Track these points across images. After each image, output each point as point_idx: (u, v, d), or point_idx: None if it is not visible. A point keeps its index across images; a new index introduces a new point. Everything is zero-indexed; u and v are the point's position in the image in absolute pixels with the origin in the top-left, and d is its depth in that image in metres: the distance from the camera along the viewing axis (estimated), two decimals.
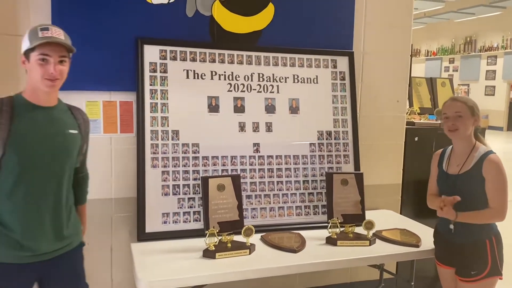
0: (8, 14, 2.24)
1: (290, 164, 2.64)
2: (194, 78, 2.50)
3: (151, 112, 2.41)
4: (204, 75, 2.52)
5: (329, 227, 2.32)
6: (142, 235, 2.30)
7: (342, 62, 2.80)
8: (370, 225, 2.32)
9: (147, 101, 2.40)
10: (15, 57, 2.25)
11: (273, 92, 2.64)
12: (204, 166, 2.46)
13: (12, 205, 1.63)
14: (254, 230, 2.16)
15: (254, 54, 2.61)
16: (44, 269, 1.69)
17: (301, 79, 2.71)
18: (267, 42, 2.63)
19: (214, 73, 2.53)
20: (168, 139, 2.42)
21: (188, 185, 2.43)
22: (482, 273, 2.03)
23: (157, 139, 2.40)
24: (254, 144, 2.57)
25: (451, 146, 2.19)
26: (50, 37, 1.60)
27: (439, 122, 3.08)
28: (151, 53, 2.43)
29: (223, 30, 2.55)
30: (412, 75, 3.26)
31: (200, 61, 2.51)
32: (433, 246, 2.25)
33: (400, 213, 3.03)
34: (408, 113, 3.21)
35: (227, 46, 2.56)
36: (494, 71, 13.69)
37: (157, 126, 2.41)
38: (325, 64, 2.77)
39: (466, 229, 2.06)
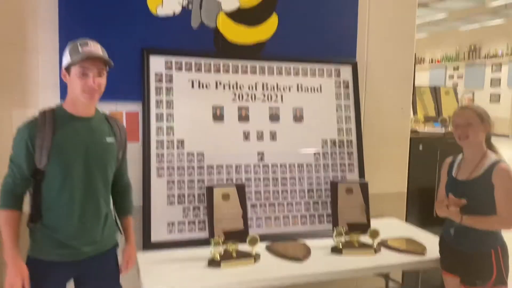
0: (16, 26, 2.28)
1: (295, 173, 2.65)
2: (199, 88, 2.52)
3: (156, 122, 2.43)
4: (209, 85, 2.54)
5: (334, 236, 2.32)
6: (148, 244, 2.31)
7: (346, 71, 2.82)
8: (375, 233, 2.32)
9: (153, 111, 2.43)
10: (21, 67, 2.30)
11: (277, 101, 2.66)
12: (209, 175, 2.47)
13: (56, 210, 1.73)
14: (259, 239, 2.17)
15: (258, 64, 2.64)
16: (82, 267, 1.79)
17: (305, 88, 2.72)
18: (271, 52, 2.66)
19: (218, 83, 2.56)
20: (173, 149, 2.43)
21: (193, 194, 2.44)
22: (487, 283, 2.02)
23: (163, 149, 2.42)
24: (259, 153, 2.59)
25: (461, 154, 2.20)
26: (89, 52, 1.69)
27: (443, 131, 3.08)
28: (156, 63, 2.46)
29: (228, 41, 2.58)
30: (416, 83, 3.27)
31: (205, 71, 2.54)
32: (438, 255, 2.25)
33: (406, 222, 3.02)
34: (413, 121, 3.21)
35: (231, 56, 2.58)
36: (499, 79, 13.66)
37: (163, 135, 2.43)
38: (329, 73, 2.78)
39: (469, 236, 2.05)
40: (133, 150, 2.45)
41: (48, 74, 2.33)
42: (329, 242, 2.33)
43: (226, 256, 2.12)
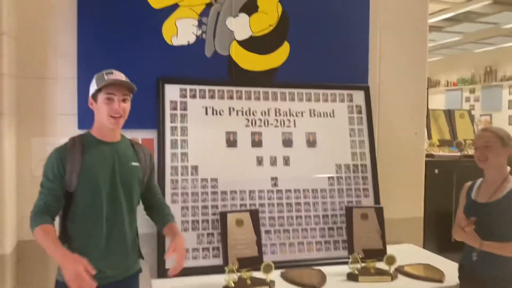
0: (38, 58, 2.37)
1: (309, 198, 2.64)
2: (213, 114, 2.56)
3: (171, 148, 2.46)
4: (222, 112, 2.58)
5: (350, 262, 2.29)
6: (162, 271, 2.30)
7: (358, 96, 2.83)
8: (391, 260, 2.28)
9: (168, 138, 2.47)
10: (40, 97, 2.37)
11: (290, 126, 2.68)
12: (223, 201, 2.48)
13: (83, 232, 1.79)
14: (273, 266, 2.14)
15: (271, 90, 2.67)
16: None
17: (317, 113, 2.74)
18: (283, 78, 2.70)
19: (232, 109, 2.60)
20: (187, 175, 2.46)
21: (207, 220, 2.45)
22: None
23: (177, 175, 2.44)
24: (272, 178, 2.59)
25: (481, 178, 2.18)
26: (114, 79, 1.80)
27: (459, 154, 3.05)
28: (171, 92, 2.52)
29: (240, 68, 2.63)
30: (432, 107, 3.27)
31: (218, 98, 2.58)
32: (458, 282, 2.19)
33: (423, 248, 2.96)
34: (428, 145, 3.19)
35: (244, 83, 2.63)
36: None
37: (177, 162, 2.46)
38: (341, 98, 2.80)
39: (491, 262, 2.00)
40: None
41: (67, 104, 2.39)
42: (345, 268, 2.30)
43: (241, 284, 2.10)
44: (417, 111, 3.01)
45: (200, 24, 2.56)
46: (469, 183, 2.23)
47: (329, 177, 2.69)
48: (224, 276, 2.08)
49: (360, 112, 2.82)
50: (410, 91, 2.98)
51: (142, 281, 2.42)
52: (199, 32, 2.56)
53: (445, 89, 14.94)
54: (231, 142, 2.57)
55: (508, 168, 2.11)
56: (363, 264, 2.31)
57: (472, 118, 3.60)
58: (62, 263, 1.65)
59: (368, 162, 2.78)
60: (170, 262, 1.96)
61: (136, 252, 1.96)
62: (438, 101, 14.27)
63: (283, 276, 2.29)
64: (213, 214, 2.46)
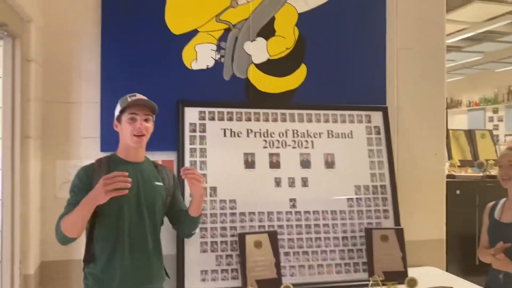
0: (63, 83, 2.46)
1: (328, 219, 2.62)
2: (231, 136, 2.60)
3: None
4: (241, 133, 2.61)
5: (370, 285, 2.25)
6: None
7: (376, 117, 2.83)
8: (413, 282, 2.23)
9: (187, 159, 2.51)
10: (65, 121, 2.45)
11: (307, 148, 2.69)
12: (241, 222, 2.49)
13: (108, 252, 1.83)
14: None
15: (288, 112, 2.70)
16: None
17: (335, 134, 2.75)
18: (301, 100, 2.73)
19: (250, 131, 2.63)
20: (206, 196, 2.48)
21: (226, 242, 2.45)
22: None
23: None
24: (291, 200, 2.59)
25: (505, 198, 2.14)
26: (136, 99, 1.90)
27: (481, 174, 3.00)
28: (191, 114, 2.57)
29: (258, 91, 2.67)
30: (454, 127, 3.23)
31: (236, 120, 2.62)
32: None
33: (446, 271, 2.88)
34: (448, 165, 3.15)
35: (262, 105, 2.66)
36: None
37: None
38: (359, 119, 2.81)
39: None
40: None
41: (90, 127, 2.47)
42: None
43: None
44: (437, 131, 2.98)
45: (219, 48, 2.62)
46: (491, 203, 2.20)
47: (348, 198, 2.67)
48: None
49: (378, 133, 2.82)
50: (429, 112, 2.96)
51: None
52: (218, 56, 2.62)
53: (467, 109, 14.73)
54: (249, 163, 2.59)
55: None
56: (384, 287, 2.27)
57: (493, 138, 3.54)
58: (92, 199, 1.70)
59: (387, 183, 2.75)
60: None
61: (160, 272, 1.99)
62: (460, 121, 14.06)
63: None
64: (232, 235, 2.46)
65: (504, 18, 6.95)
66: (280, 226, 2.53)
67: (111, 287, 1.82)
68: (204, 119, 2.58)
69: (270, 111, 2.68)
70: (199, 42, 2.59)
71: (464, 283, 2.51)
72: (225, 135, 2.59)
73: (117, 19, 2.49)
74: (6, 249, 2.05)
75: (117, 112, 1.94)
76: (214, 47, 2.62)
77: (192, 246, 2.40)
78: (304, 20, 2.75)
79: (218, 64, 2.63)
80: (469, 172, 3.22)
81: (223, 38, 2.63)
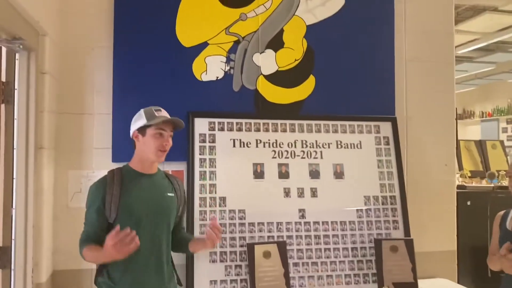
0: (76, 95, 2.51)
1: (337, 230, 2.61)
2: (240, 146, 2.62)
3: (200, 179, 2.52)
4: (250, 144, 2.63)
5: None
6: None
7: (386, 127, 2.83)
8: None
9: (197, 169, 2.53)
10: (77, 131, 2.49)
11: (316, 158, 2.70)
12: (250, 232, 2.50)
13: (123, 262, 1.82)
14: None
15: (297, 122, 2.71)
16: None
17: (344, 144, 2.75)
18: (309, 111, 2.74)
19: (259, 141, 2.65)
20: (215, 206, 2.50)
21: (235, 252, 2.46)
22: None
23: (205, 206, 2.49)
24: (300, 210, 2.59)
25: None
26: (165, 116, 1.94)
27: (492, 185, 2.97)
28: (200, 125, 2.60)
29: (267, 102, 2.70)
30: (467, 138, 3.21)
31: (245, 130, 2.64)
32: None
33: (458, 282, 2.85)
34: (459, 176, 3.13)
35: (271, 116, 2.69)
36: None
37: (206, 193, 2.51)
38: (368, 130, 2.81)
39: None
40: None
41: (102, 138, 2.51)
42: None
43: None
44: (447, 142, 2.97)
45: (228, 60, 2.66)
46: (502, 213, 2.18)
47: (357, 209, 2.67)
48: None
49: (387, 143, 2.82)
50: (439, 122, 2.96)
51: None
52: (227, 68, 2.66)
53: (480, 120, 14.58)
54: (258, 173, 2.60)
55: None
56: None
57: (504, 148, 3.51)
58: (109, 257, 1.75)
59: (397, 193, 2.74)
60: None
61: (172, 279, 2.03)
62: (473, 132, 13.92)
63: None
64: (241, 245, 2.47)
65: None
66: (289, 237, 2.53)
67: None
68: (213, 129, 2.61)
69: (279, 121, 2.70)
70: (209, 54, 2.64)
71: None
72: (234, 146, 2.61)
73: (129, 33, 2.54)
74: (19, 257, 2.08)
75: (140, 124, 1.93)
76: (224, 59, 2.66)
77: (201, 256, 2.41)
78: (313, 32, 2.78)
79: (228, 76, 2.66)
80: (485, 183, 3.19)
81: (232, 50, 2.67)
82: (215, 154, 2.58)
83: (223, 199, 2.52)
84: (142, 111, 1.97)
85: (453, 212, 2.93)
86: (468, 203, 2.95)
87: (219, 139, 2.60)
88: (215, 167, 2.56)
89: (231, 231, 2.48)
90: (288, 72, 2.74)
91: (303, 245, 2.55)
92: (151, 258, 1.93)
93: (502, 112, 13.77)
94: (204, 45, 2.64)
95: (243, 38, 2.69)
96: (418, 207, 2.81)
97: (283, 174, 2.63)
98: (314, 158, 2.70)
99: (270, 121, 2.68)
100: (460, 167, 3.34)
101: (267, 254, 2.30)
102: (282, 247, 2.35)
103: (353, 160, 2.74)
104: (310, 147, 2.71)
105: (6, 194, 2.05)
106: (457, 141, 3.10)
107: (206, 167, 2.55)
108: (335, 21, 2.81)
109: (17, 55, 2.10)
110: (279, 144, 2.67)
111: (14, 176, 2.09)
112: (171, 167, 2.56)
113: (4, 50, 2.02)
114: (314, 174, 2.67)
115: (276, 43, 2.73)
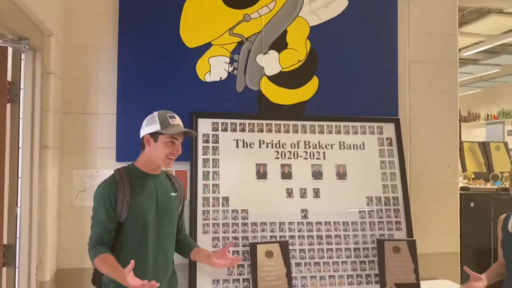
0: (80, 95, 2.53)
1: (340, 230, 2.62)
2: (243, 147, 2.63)
3: (203, 179, 2.53)
4: (253, 144, 2.64)
5: None
6: None
7: (389, 128, 2.83)
8: None
9: (200, 169, 2.55)
10: (83, 133, 2.51)
11: (319, 159, 2.70)
12: (253, 232, 2.51)
13: (131, 260, 1.81)
14: None
15: (300, 123, 2.72)
16: None
17: (347, 145, 2.76)
18: (313, 112, 2.75)
19: (262, 142, 2.66)
20: (218, 206, 2.51)
21: (238, 252, 2.47)
22: None
23: (209, 206, 2.50)
24: (302, 210, 2.60)
25: None
26: (179, 125, 1.96)
27: (495, 187, 2.96)
28: (204, 125, 2.61)
29: (270, 102, 2.71)
30: (471, 140, 3.21)
31: (249, 131, 2.66)
32: None
33: (460, 284, 2.84)
34: (462, 178, 3.12)
35: (274, 117, 2.70)
36: None
37: (209, 193, 2.52)
38: (371, 131, 2.81)
39: None
40: None
41: (106, 137, 2.53)
42: None
43: None
44: (450, 143, 2.97)
45: (232, 61, 2.68)
46: (503, 216, 2.17)
47: (360, 210, 2.67)
48: None
49: (390, 144, 2.82)
50: (442, 124, 2.96)
51: None
52: (231, 69, 2.67)
53: (485, 122, 14.51)
54: (261, 174, 2.61)
55: None
56: None
57: (508, 150, 3.50)
58: (122, 282, 1.75)
59: (400, 194, 2.74)
60: None
61: (174, 276, 2.08)
62: (478, 135, 13.86)
63: None
64: (244, 245, 2.48)
65: None
66: (292, 237, 2.54)
67: None
68: (217, 130, 2.62)
69: (282, 122, 2.71)
70: (213, 55, 2.65)
71: None
72: (237, 146, 2.63)
73: (133, 33, 2.56)
74: (23, 255, 2.10)
75: (153, 129, 1.93)
76: (227, 60, 2.67)
77: None
78: (316, 33, 2.79)
79: (231, 76, 2.68)
80: (487, 185, 3.19)
81: (236, 51, 2.69)
82: (218, 155, 2.59)
83: (226, 199, 2.53)
84: (156, 115, 1.97)
85: (456, 214, 2.93)
86: (472, 204, 2.94)
87: (222, 139, 2.61)
88: (218, 167, 2.57)
89: (234, 230, 2.49)
90: (292, 73, 2.75)
91: (306, 245, 2.55)
92: (157, 257, 1.96)
93: (508, 114, 13.70)
94: (208, 45, 2.65)
95: (246, 39, 2.70)
96: (421, 208, 2.81)
97: (286, 175, 2.64)
98: (317, 158, 2.70)
99: (273, 122, 2.69)
100: (464, 169, 3.34)
101: (269, 254, 2.31)
102: (284, 247, 2.35)
103: (356, 161, 2.74)
104: (313, 147, 2.71)
105: (11, 192, 2.07)
106: (461, 143, 3.09)
107: (209, 167, 2.56)
108: (338, 22, 2.82)
109: (22, 55, 2.13)
110: (282, 145, 2.68)
111: (19, 175, 2.11)
112: (174, 167, 2.56)
113: (10, 50, 2.05)
114: (317, 174, 2.68)
115: (280, 44, 2.75)
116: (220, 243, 2.46)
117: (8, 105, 2.05)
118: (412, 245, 2.44)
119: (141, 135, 2.00)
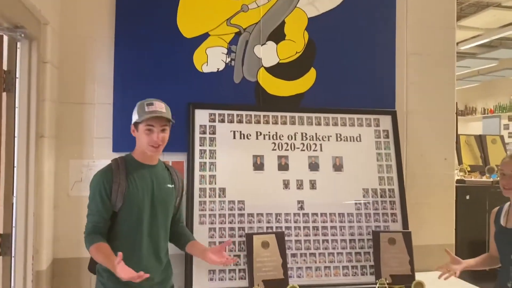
0: (77, 85, 2.52)
1: (336, 222, 2.63)
2: (241, 138, 2.63)
3: (200, 170, 2.54)
4: (250, 135, 2.64)
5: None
6: None
7: (385, 121, 2.84)
8: (420, 286, 2.24)
9: (197, 160, 2.55)
10: (80, 123, 2.51)
11: (316, 150, 2.71)
12: (249, 223, 2.51)
13: (126, 249, 1.85)
14: None
15: (297, 115, 2.72)
16: None
17: (344, 137, 2.76)
18: (310, 103, 2.75)
19: (259, 133, 2.66)
20: (215, 197, 2.51)
21: (234, 242, 2.48)
22: None
23: (205, 197, 2.50)
24: (299, 202, 2.61)
25: (508, 203, 2.13)
26: (154, 111, 1.91)
27: (491, 180, 2.98)
28: (201, 116, 2.61)
29: (268, 94, 2.71)
30: (468, 133, 3.22)
31: (246, 122, 2.65)
32: None
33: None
34: (458, 171, 3.14)
35: (271, 108, 2.70)
36: None
37: (205, 184, 2.52)
38: (368, 123, 2.82)
39: None
40: None
41: (103, 127, 2.52)
42: None
43: None
44: (446, 136, 2.98)
45: (229, 52, 2.67)
46: (496, 209, 2.18)
47: (356, 202, 2.68)
48: None
49: (387, 136, 2.82)
50: (439, 116, 2.96)
51: None
52: (228, 60, 2.67)
53: (481, 116, 14.56)
54: (258, 165, 2.62)
55: None
56: None
57: (504, 143, 3.51)
58: (114, 271, 1.76)
59: (396, 186, 2.76)
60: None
61: (168, 270, 2.07)
62: (474, 128, 13.90)
63: None
64: (240, 236, 2.49)
65: None
66: (288, 228, 2.55)
67: (126, 284, 1.84)
68: (214, 121, 2.62)
69: (279, 114, 2.71)
70: (210, 45, 2.64)
71: None
72: (234, 137, 2.62)
73: (130, 23, 2.55)
74: (19, 245, 2.10)
75: (134, 119, 1.97)
76: (225, 51, 2.66)
77: None
78: (314, 24, 2.78)
79: (229, 67, 2.67)
80: (483, 178, 3.20)
81: (233, 41, 2.68)
82: (215, 146, 2.59)
83: (222, 190, 2.53)
84: (137, 104, 1.99)
85: (451, 206, 2.94)
86: (467, 197, 2.96)
87: (219, 130, 2.61)
88: (215, 158, 2.57)
89: (230, 221, 2.50)
90: (289, 64, 2.74)
91: (302, 236, 2.56)
92: (151, 248, 1.97)
93: (504, 109, 13.74)
94: (205, 36, 2.64)
95: (244, 29, 2.69)
96: (416, 201, 2.83)
97: (283, 166, 2.64)
98: (314, 150, 2.71)
99: (270, 113, 2.69)
100: (460, 162, 3.35)
101: (265, 244, 2.32)
102: (280, 237, 2.36)
103: (353, 153, 2.75)
104: (310, 139, 2.71)
105: (7, 182, 2.07)
106: (457, 136, 3.10)
107: (206, 158, 2.56)
108: (336, 14, 2.81)
109: (18, 44, 2.11)
110: (279, 136, 2.68)
111: (15, 164, 2.11)
112: (171, 158, 2.57)
113: (5, 38, 2.03)
114: (314, 166, 2.68)
115: (278, 35, 2.74)
116: (216, 234, 2.46)
117: (4, 94, 2.04)
118: (407, 237, 2.45)
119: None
